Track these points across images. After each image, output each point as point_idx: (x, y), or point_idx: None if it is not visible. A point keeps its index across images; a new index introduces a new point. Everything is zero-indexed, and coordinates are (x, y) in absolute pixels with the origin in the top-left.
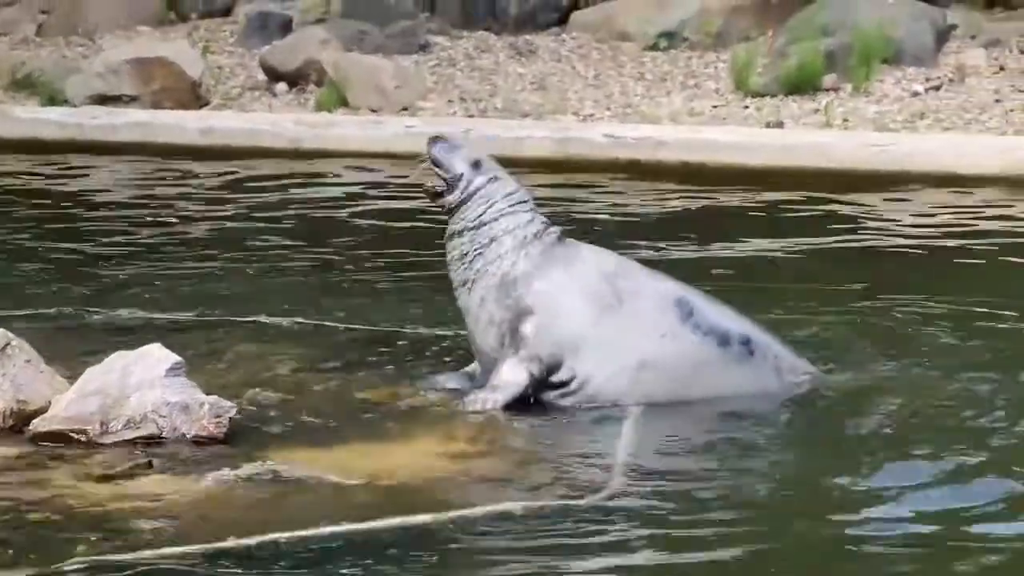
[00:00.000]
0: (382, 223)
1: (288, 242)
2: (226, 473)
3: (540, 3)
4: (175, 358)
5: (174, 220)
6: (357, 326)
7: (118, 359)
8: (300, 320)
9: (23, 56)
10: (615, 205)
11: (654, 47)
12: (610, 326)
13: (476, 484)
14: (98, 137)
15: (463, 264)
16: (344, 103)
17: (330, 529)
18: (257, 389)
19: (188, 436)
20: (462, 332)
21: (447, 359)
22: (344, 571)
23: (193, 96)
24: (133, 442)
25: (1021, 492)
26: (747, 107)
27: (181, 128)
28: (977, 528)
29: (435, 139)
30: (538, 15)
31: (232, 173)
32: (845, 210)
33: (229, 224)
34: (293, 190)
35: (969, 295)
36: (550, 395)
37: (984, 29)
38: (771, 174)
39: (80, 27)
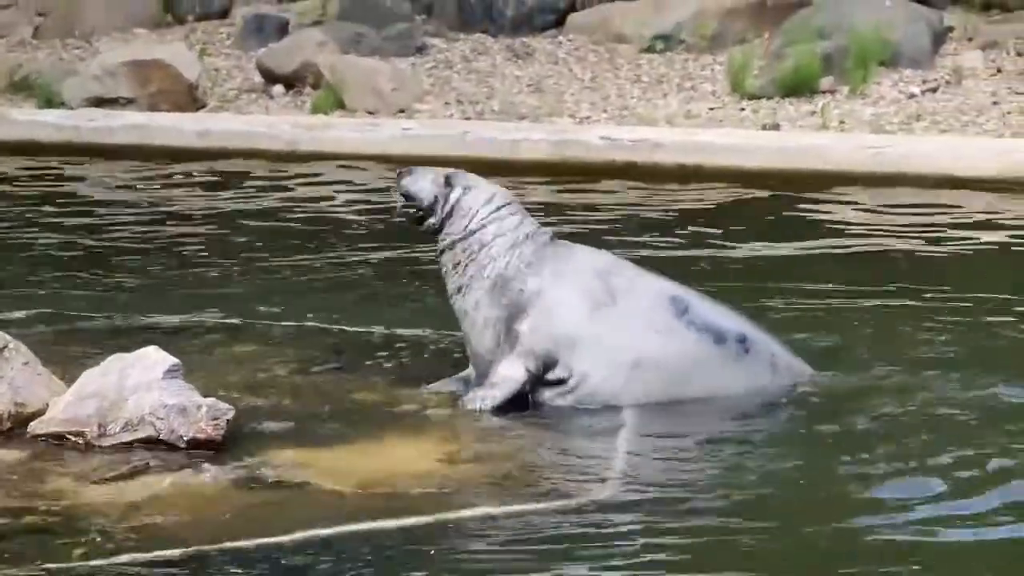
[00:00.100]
0: (379, 225)
1: (285, 244)
2: (223, 475)
3: (537, 5)
4: (172, 360)
5: (171, 222)
6: (354, 328)
7: (115, 362)
8: (297, 322)
9: (20, 58)
10: (611, 207)
11: (650, 49)
12: (605, 323)
13: (474, 486)
14: (95, 139)
15: (456, 273)
16: (341, 105)
17: (328, 531)
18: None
19: (185, 438)
20: (458, 334)
21: (444, 361)
22: (342, 573)
23: (190, 98)
24: (131, 444)
25: (1019, 492)
26: (743, 109)
27: (178, 130)
28: (977, 527)
29: (400, 174)
30: (535, 17)
31: (229, 175)
32: (842, 212)
33: (225, 226)
34: (290, 192)
35: (966, 296)
36: (547, 394)
37: (981, 31)
38: (768, 176)
39: (77, 29)
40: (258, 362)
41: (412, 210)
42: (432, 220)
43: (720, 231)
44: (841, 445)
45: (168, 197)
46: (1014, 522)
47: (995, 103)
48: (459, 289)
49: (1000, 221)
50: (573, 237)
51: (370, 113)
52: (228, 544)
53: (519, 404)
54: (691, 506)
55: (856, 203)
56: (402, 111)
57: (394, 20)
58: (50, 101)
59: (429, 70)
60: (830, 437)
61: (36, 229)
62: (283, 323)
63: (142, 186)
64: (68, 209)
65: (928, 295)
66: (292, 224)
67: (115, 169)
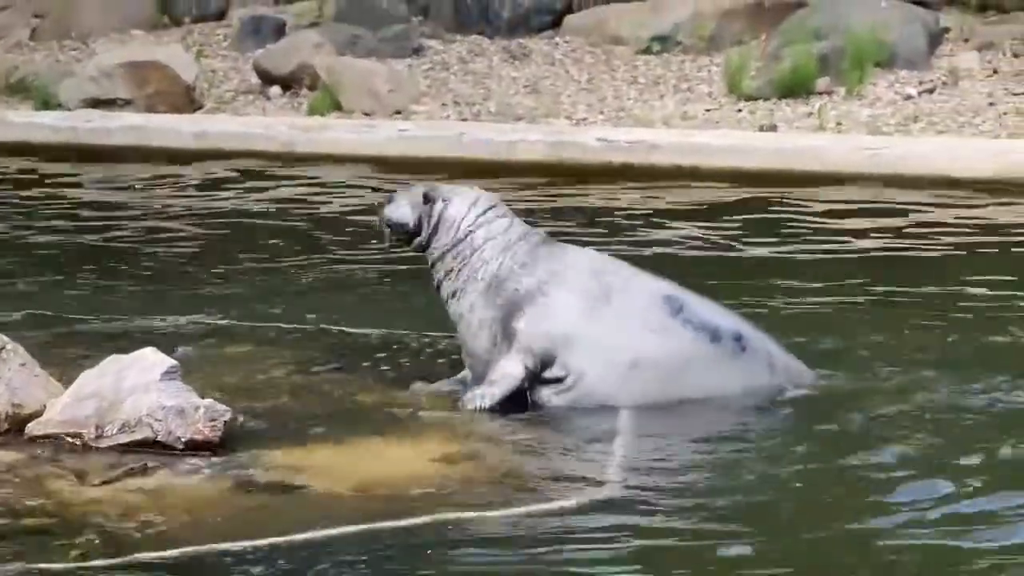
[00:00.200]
0: (377, 226)
1: (282, 245)
2: (221, 477)
3: (533, 7)
4: (170, 362)
5: (168, 224)
6: (352, 329)
7: (113, 363)
8: (295, 323)
9: (17, 60)
10: (608, 209)
11: (647, 51)
12: (601, 321)
13: (472, 487)
14: (92, 141)
15: (449, 279)
16: (337, 107)
17: (325, 532)
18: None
19: (183, 440)
20: (456, 336)
21: (441, 362)
22: (340, 574)
23: (187, 100)
24: (128, 446)
25: (1018, 491)
26: (740, 111)
27: (175, 132)
28: (976, 527)
29: (380, 205)
30: (531, 19)
31: (226, 176)
32: (838, 213)
33: (222, 227)
34: (286, 194)
35: (965, 297)
36: (545, 392)
37: (977, 32)
38: (764, 177)
39: (74, 31)
40: (256, 363)
41: (402, 236)
42: (420, 238)
43: (717, 232)
44: (840, 446)
45: (165, 198)
46: (1018, 523)
47: (991, 104)
48: (453, 294)
49: (997, 221)
50: (570, 238)
51: (367, 114)
52: (225, 545)
53: (518, 404)
54: (690, 507)
55: (853, 204)
56: (398, 112)
57: (390, 22)
58: (47, 103)
59: (425, 71)
60: (829, 438)
61: (33, 231)
62: (281, 324)
63: (139, 187)
64: (65, 211)
65: (926, 296)
66: (289, 225)
67: (112, 171)
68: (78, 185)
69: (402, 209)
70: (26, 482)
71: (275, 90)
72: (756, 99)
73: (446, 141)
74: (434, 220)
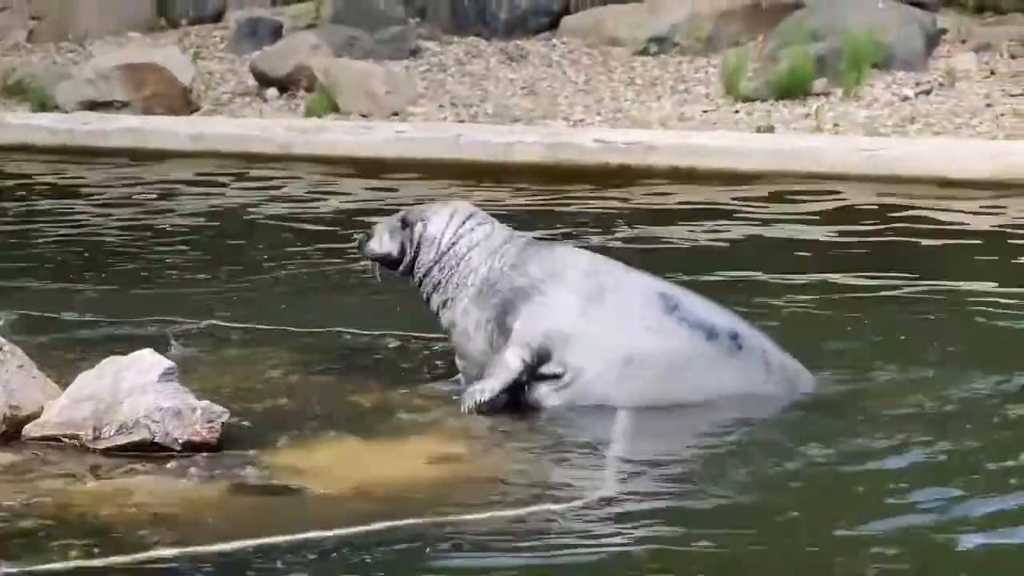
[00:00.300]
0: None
1: (279, 247)
2: (218, 478)
3: (530, 8)
4: (167, 363)
5: (165, 225)
6: (349, 330)
7: (110, 364)
8: (292, 325)
9: (14, 62)
10: (606, 209)
11: (644, 52)
12: (596, 318)
13: (469, 487)
14: (89, 143)
15: (438, 292)
16: (334, 108)
17: (322, 533)
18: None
19: (180, 441)
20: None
21: (438, 363)
22: (338, 575)
23: (184, 102)
24: (126, 447)
25: (1017, 492)
26: (737, 112)
27: (172, 134)
28: (975, 527)
29: (359, 243)
30: (528, 20)
31: (223, 178)
32: (835, 214)
33: (219, 229)
34: (284, 195)
35: (964, 297)
36: (543, 390)
37: (974, 33)
38: (761, 179)
39: (71, 33)
40: (253, 364)
41: (390, 267)
42: (404, 264)
43: (714, 233)
44: (839, 446)
45: (162, 200)
46: (1019, 524)
47: (988, 105)
48: (444, 304)
49: (995, 222)
50: (567, 239)
51: (364, 116)
52: (222, 546)
53: (513, 404)
54: (687, 508)
55: (851, 205)
56: (396, 114)
57: (388, 23)
58: (44, 105)
59: (423, 73)
60: (827, 438)
61: (30, 233)
62: (278, 326)
63: (136, 189)
64: (62, 212)
65: (924, 296)
66: (286, 227)
67: (109, 172)
68: (75, 187)
69: (383, 240)
70: (24, 484)
71: (272, 92)
72: (753, 100)
73: (443, 143)
74: (416, 242)
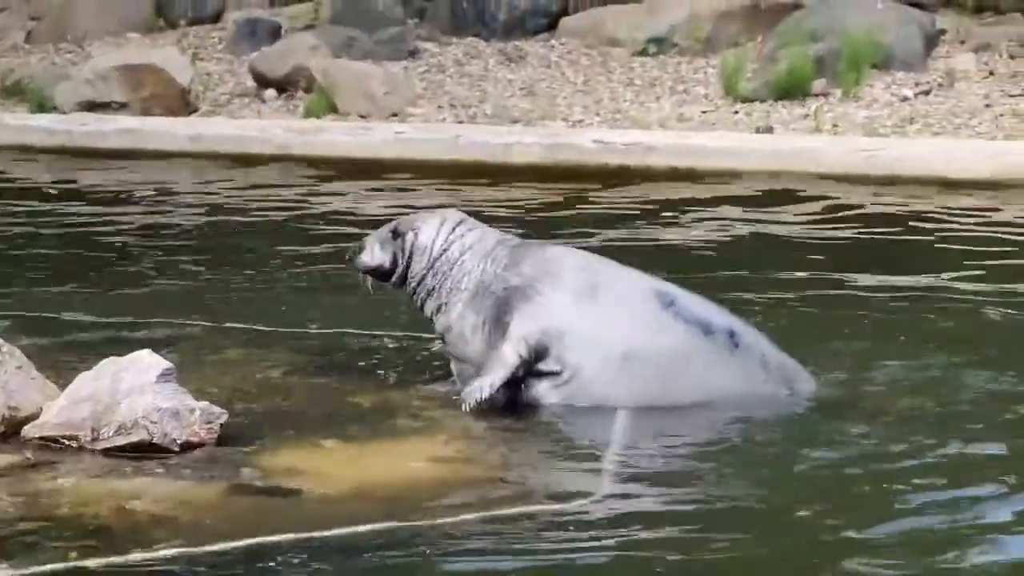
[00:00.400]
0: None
1: (278, 247)
2: (217, 478)
3: (529, 9)
4: (166, 364)
5: (163, 226)
6: (348, 331)
7: (109, 365)
8: (291, 326)
9: (12, 63)
10: (604, 210)
11: (643, 53)
12: (592, 315)
13: (468, 488)
14: (87, 144)
15: (432, 298)
16: (333, 109)
17: (322, 533)
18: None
19: (179, 442)
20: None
21: (437, 363)
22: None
23: (182, 103)
24: (124, 448)
25: (1015, 491)
26: (736, 112)
27: (170, 135)
28: (976, 526)
29: (350, 258)
30: (527, 21)
31: (221, 179)
32: (834, 215)
33: (218, 230)
34: (282, 196)
35: (963, 297)
36: (541, 387)
37: (973, 34)
38: (761, 179)
39: (69, 34)
40: (251, 365)
41: (382, 279)
42: (397, 275)
43: (713, 234)
44: (838, 446)
45: (160, 201)
46: (1010, 522)
47: (987, 105)
48: (439, 309)
49: (994, 222)
50: (565, 239)
51: (362, 117)
52: (221, 546)
53: (511, 404)
54: (686, 507)
55: (849, 206)
56: (394, 115)
57: (386, 24)
58: (42, 106)
59: (421, 74)
60: (826, 438)
61: (28, 234)
62: (277, 327)
63: (134, 191)
64: (60, 213)
65: (924, 296)
66: (285, 228)
67: (107, 173)
68: (73, 188)
69: (375, 253)
70: (23, 484)
71: (270, 93)
72: (752, 101)
73: (442, 143)
74: (407, 252)
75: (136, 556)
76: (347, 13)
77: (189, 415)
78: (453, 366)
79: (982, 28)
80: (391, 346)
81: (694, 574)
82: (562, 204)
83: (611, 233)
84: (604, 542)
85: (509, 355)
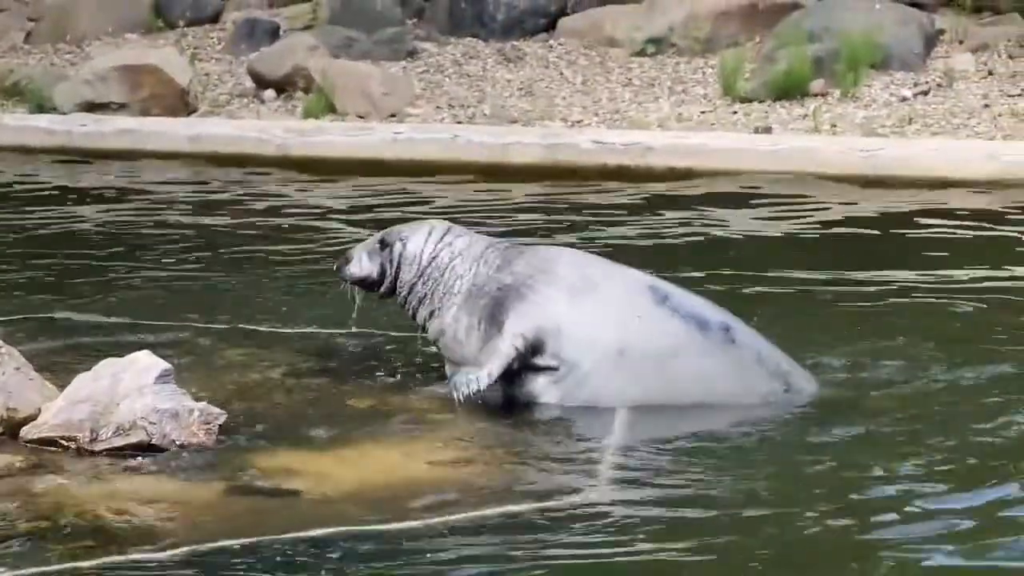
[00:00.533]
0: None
1: (276, 248)
2: (215, 479)
3: (527, 9)
4: (164, 365)
5: (163, 227)
6: (347, 332)
7: (107, 366)
8: (290, 326)
9: (11, 64)
10: (603, 210)
11: (642, 53)
12: (587, 311)
13: (467, 488)
14: (86, 144)
15: (424, 305)
16: (332, 110)
17: (321, 533)
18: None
19: (178, 443)
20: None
21: (435, 365)
22: (335, 575)
23: (181, 103)
24: (123, 449)
25: (1010, 490)
26: (735, 112)
27: (169, 135)
28: (977, 526)
29: (338, 268)
30: (525, 21)
31: (220, 180)
32: (833, 215)
33: (217, 231)
34: (281, 197)
35: (960, 297)
36: (539, 384)
37: (972, 34)
38: (759, 179)
39: (68, 35)
40: (250, 366)
41: (370, 289)
42: (386, 284)
43: (712, 234)
44: (837, 446)
45: (159, 202)
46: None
47: (986, 106)
48: (431, 315)
49: (993, 222)
50: (564, 239)
51: (361, 117)
52: (219, 546)
53: (508, 403)
54: (685, 507)
55: (848, 206)
56: (393, 115)
57: (385, 24)
58: (41, 106)
59: (420, 74)
60: (824, 437)
61: (27, 235)
62: (275, 327)
63: (133, 191)
64: (59, 214)
65: (923, 296)
66: (284, 229)
67: (106, 174)
68: (72, 189)
69: (362, 263)
70: (21, 485)
71: (269, 93)
72: (751, 101)
73: (441, 144)
74: (395, 262)
75: (135, 556)
76: (345, 14)
77: (188, 416)
78: (448, 370)
79: (981, 28)
80: (390, 347)
81: (694, 573)
82: (561, 204)
83: (610, 233)
84: (604, 542)
85: (505, 348)
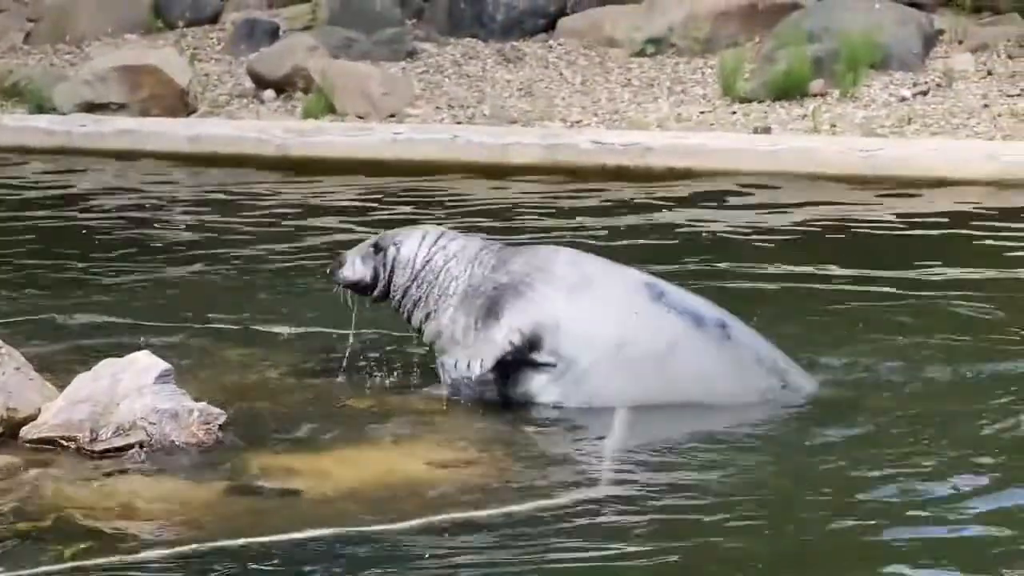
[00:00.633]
0: (370, 230)
1: (276, 248)
2: (215, 479)
3: (527, 9)
4: (164, 365)
5: (162, 227)
6: (346, 332)
7: (107, 366)
8: (289, 326)
9: (11, 64)
10: (602, 211)
11: (641, 53)
12: (584, 307)
13: (466, 488)
14: (86, 145)
15: (419, 307)
16: (331, 110)
17: (320, 533)
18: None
19: (177, 443)
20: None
21: (434, 365)
22: (335, 575)
23: (181, 103)
24: (122, 449)
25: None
26: (735, 113)
27: (169, 135)
28: (978, 525)
29: (331, 272)
30: (525, 22)
31: (220, 180)
32: (833, 216)
33: (216, 231)
34: (281, 197)
35: (959, 297)
36: (537, 382)
37: (971, 34)
38: (759, 179)
39: (68, 35)
40: (250, 366)
41: (363, 293)
42: (379, 289)
43: (710, 234)
44: (836, 445)
45: (159, 202)
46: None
47: (986, 106)
48: (427, 317)
49: (993, 222)
50: (563, 240)
51: (360, 117)
52: (219, 546)
53: (505, 402)
54: (684, 506)
55: (847, 206)
56: (393, 115)
57: (384, 25)
58: (41, 107)
59: (420, 74)
60: (823, 436)
61: (26, 235)
62: (275, 327)
63: (133, 192)
64: (58, 214)
65: (923, 295)
66: (283, 229)
67: (106, 175)
68: (72, 189)
69: (355, 267)
70: (21, 485)
71: (269, 94)
72: (750, 101)
73: (440, 144)
74: (389, 266)
75: (135, 556)
76: (345, 14)
77: (187, 416)
78: (443, 373)
79: (980, 28)
80: (389, 347)
81: (693, 573)
82: (560, 204)
83: (609, 233)
84: (604, 542)
85: (500, 338)
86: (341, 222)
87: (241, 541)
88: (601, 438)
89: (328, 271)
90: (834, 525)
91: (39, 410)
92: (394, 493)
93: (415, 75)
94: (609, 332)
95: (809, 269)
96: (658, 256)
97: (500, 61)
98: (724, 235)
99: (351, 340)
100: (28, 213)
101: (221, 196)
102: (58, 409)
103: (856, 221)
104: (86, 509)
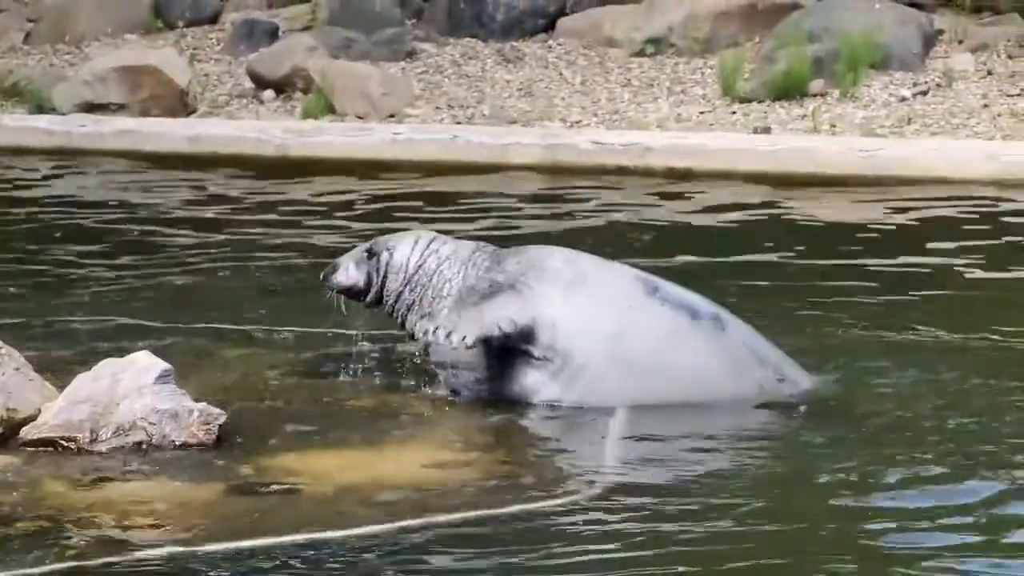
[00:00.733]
0: (370, 230)
1: (275, 248)
2: (215, 479)
3: (527, 9)
4: (164, 365)
5: (162, 228)
6: (346, 332)
7: (107, 367)
8: (289, 326)
9: (10, 64)
10: (602, 211)
11: (641, 53)
12: (580, 303)
13: (466, 488)
14: (85, 145)
15: (413, 311)
16: (331, 110)
17: (320, 534)
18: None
19: (177, 443)
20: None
21: (432, 366)
22: (334, 575)
23: (181, 104)
24: (123, 449)
25: (1010, 489)
26: (734, 113)
27: (169, 136)
28: (978, 524)
29: (325, 277)
30: (525, 21)
31: (220, 180)
32: (832, 216)
33: (216, 231)
34: (280, 197)
35: (959, 297)
36: (534, 378)
37: (971, 34)
38: (758, 179)
39: (68, 35)
40: (249, 366)
41: (357, 298)
42: (372, 294)
43: (710, 234)
44: (833, 445)
45: (158, 202)
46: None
47: (985, 105)
48: (422, 318)
49: (992, 223)
50: (562, 240)
51: (360, 118)
52: (218, 546)
53: (505, 400)
54: (683, 506)
55: (847, 206)
56: (392, 116)
57: (384, 25)
58: (41, 107)
59: (419, 75)
60: (822, 435)
61: (27, 235)
62: (274, 327)
63: (132, 192)
64: (58, 215)
65: (922, 295)
66: (283, 229)
67: (105, 175)
68: (72, 189)
69: (349, 272)
70: (21, 485)
71: (268, 94)
72: (750, 101)
73: (440, 144)
74: (382, 271)
75: (135, 556)
76: (344, 14)
77: (187, 416)
78: (440, 375)
79: (980, 28)
80: (389, 347)
81: (693, 572)
82: (560, 205)
83: (608, 233)
84: (603, 541)
85: (489, 319)
86: (340, 222)
87: (242, 541)
88: (601, 438)
89: (322, 277)
90: (835, 525)
91: (39, 410)
92: (394, 493)
93: (415, 75)
94: (605, 328)
95: (809, 269)
96: (657, 256)
97: (500, 61)
98: (723, 235)
99: (356, 337)
100: (28, 213)
101: (220, 196)
102: (58, 409)
103: (856, 221)
104: (86, 509)
